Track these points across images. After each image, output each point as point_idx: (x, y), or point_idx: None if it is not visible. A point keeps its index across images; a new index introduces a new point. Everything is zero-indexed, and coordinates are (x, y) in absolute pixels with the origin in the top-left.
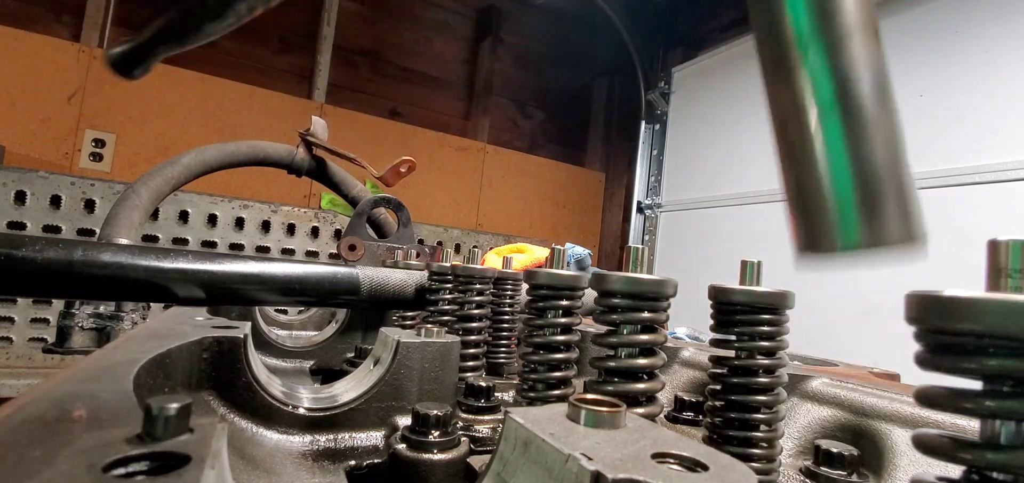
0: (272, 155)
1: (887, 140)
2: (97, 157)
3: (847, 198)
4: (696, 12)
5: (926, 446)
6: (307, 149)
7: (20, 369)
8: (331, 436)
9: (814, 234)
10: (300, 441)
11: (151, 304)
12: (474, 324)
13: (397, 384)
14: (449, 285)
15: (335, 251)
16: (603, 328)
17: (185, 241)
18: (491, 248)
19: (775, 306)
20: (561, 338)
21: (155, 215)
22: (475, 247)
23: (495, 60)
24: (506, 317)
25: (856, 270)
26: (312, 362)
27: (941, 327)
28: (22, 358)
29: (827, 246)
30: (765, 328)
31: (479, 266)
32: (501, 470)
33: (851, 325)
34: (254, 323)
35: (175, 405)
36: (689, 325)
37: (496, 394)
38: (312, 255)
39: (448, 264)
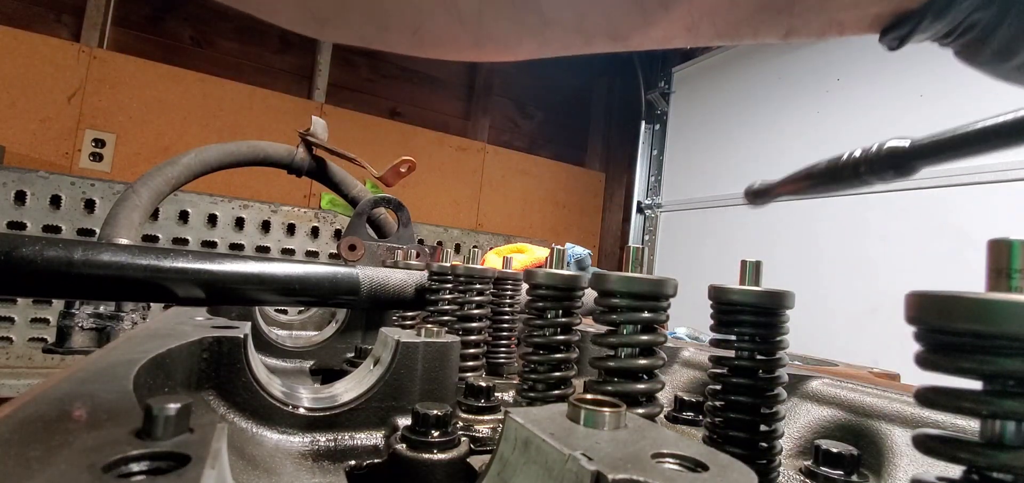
0: (272, 155)
1: None
2: (97, 157)
3: None
4: None
5: (926, 446)
6: (307, 149)
7: (20, 369)
8: (331, 436)
9: None
10: (300, 441)
11: (151, 304)
12: (474, 324)
13: (397, 384)
14: (449, 285)
15: (335, 251)
16: (603, 328)
17: (185, 241)
18: (491, 248)
19: (775, 306)
20: (561, 338)
21: (155, 215)
22: (475, 247)
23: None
24: (506, 317)
25: (856, 269)
26: (312, 362)
27: (941, 327)
28: (22, 358)
29: None
30: (765, 328)
31: (479, 266)
32: (501, 470)
33: (851, 325)
34: (254, 323)
35: (175, 405)
36: (689, 325)
37: (496, 394)
38: (312, 255)
39: (448, 264)
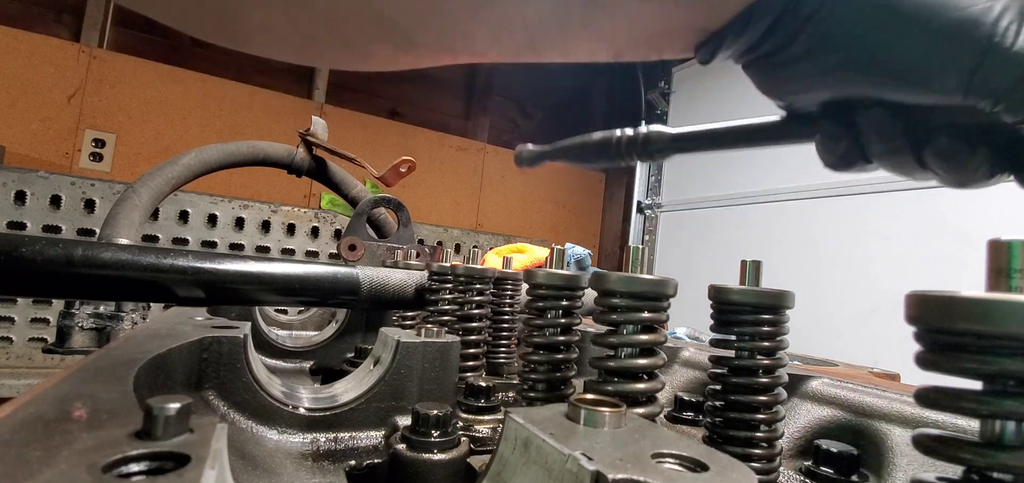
0: (272, 155)
1: None
2: (97, 157)
3: None
4: None
5: (926, 446)
6: (307, 149)
7: (20, 369)
8: (331, 436)
9: None
10: (300, 441)
11: (151, 304)
12: (474, 324)
13: (397, 384)
14: (449, 285)
15: (335, 251)
16: (603, 328)
17: (185, 241)
18: (491, 248)
19: (775, 306)
20: (561, 338)
21: (155, 215)
22: (475, 247)
23: None
24: (506, 317)
25: (855, 269)
26: (312, 362)
27: (941, 327)
28: (22, 358)
29: None
30: (765, 328)
31: (479, 266)
32: (501, 470)
33: (851, 325)
34: (254, 323)
35: (175, 405)
36: (689, 325)
37: (496, 394)
38: (312, 255)
39: (448, 264)
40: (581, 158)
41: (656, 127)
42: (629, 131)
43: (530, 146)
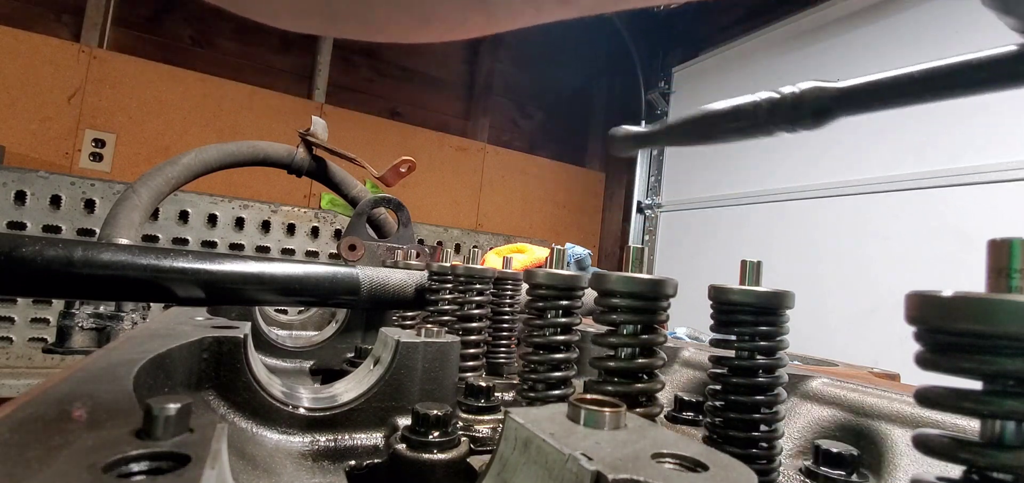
0: (272, 155)
1: None
2: (97, 157)
3: None
4: (696, 12)
5: (926, 446)
6: (307, 149)
7: (20, 369)
8: (331, 436)
9: None
10: (300, 441)
11: (151, 304)
12: (474, 324)
13: (397, 384)
14: (449, 285)
15: (335, 251)
16: (603, 328)
17: (185, 241)
18: (491, 248)
19: (775, 306)
20: (561, 338)
21: (155, 215)
22: (475, 247)
23: (495, 60)
24: (506, 317)
25: (855, 269)
26: (312, 362)
27: (941, 327)
28: (22, 358)
29: None
30: (765, 328)
31: (479, 266)
32: (501, 470)
33: (851, 325)
34: (254, 323)
35: (175, 405)
36: (689, 325)
37: (496, 394)
38: (312, 255)
39: (448, 264)
40: (702, 135)
41: (814, 83)
42: (773, 94)
43: (625, 128)
